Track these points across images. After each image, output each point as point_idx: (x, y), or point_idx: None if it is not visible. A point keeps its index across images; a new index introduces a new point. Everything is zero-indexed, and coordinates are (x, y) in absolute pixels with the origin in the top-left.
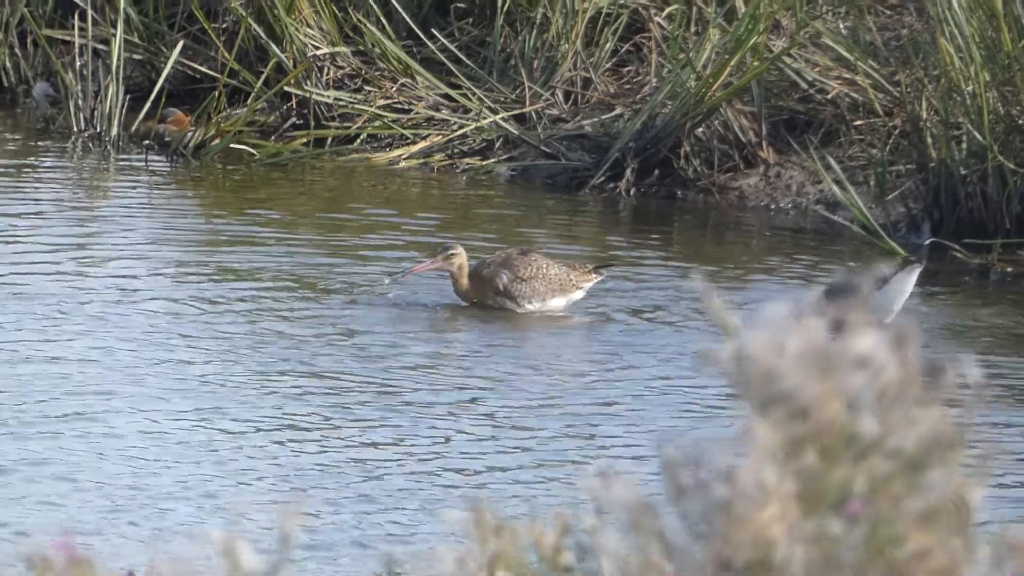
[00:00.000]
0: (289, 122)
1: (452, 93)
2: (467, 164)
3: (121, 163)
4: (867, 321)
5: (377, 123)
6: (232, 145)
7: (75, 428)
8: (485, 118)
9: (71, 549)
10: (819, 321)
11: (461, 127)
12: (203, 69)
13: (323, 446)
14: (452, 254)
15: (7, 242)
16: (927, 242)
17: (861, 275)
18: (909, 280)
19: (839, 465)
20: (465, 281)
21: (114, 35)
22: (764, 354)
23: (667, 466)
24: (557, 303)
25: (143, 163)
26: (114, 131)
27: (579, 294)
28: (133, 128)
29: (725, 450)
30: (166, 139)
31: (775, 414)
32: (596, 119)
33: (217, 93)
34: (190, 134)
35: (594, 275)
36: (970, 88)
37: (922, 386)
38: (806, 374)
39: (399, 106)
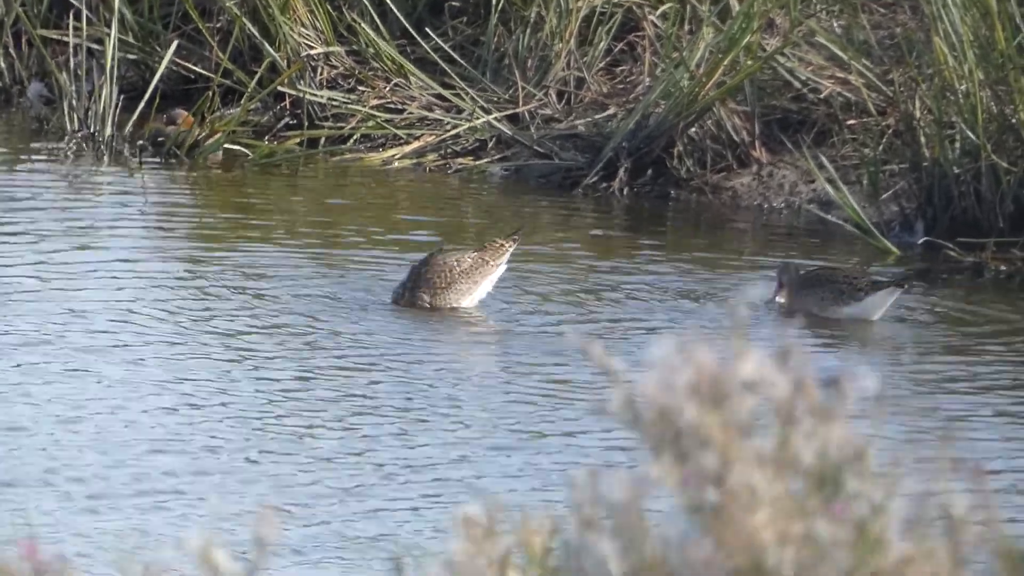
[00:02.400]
0: (283, 122)
1: (445, 93)
2: (460, 164)
3: (115, 163)
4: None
5: (370, 123)
6: (226, 145)
7: (63, 426)
8: (478, 118)
9: (35, 554)
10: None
11: (454, 127)
12: (197, 69)
13: (320, 445)
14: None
15: (1, 242)
16: (920, 241)
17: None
18: (888, 299)
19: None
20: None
21: (108, 35)
22: (655, 393)
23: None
24: (485, 289)
25: (137, 163)
26: (108, 131)
27: (501, 270)
28: (140, 129)
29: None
30: (160, 139)
31: (674, 451)
32: (589, 119)
33: (211, 93)
34: (186, 134)
35: (508, 245)
36: (964, 87)
37: (819, 400)
38: (699, 406)
39: (392, 106)
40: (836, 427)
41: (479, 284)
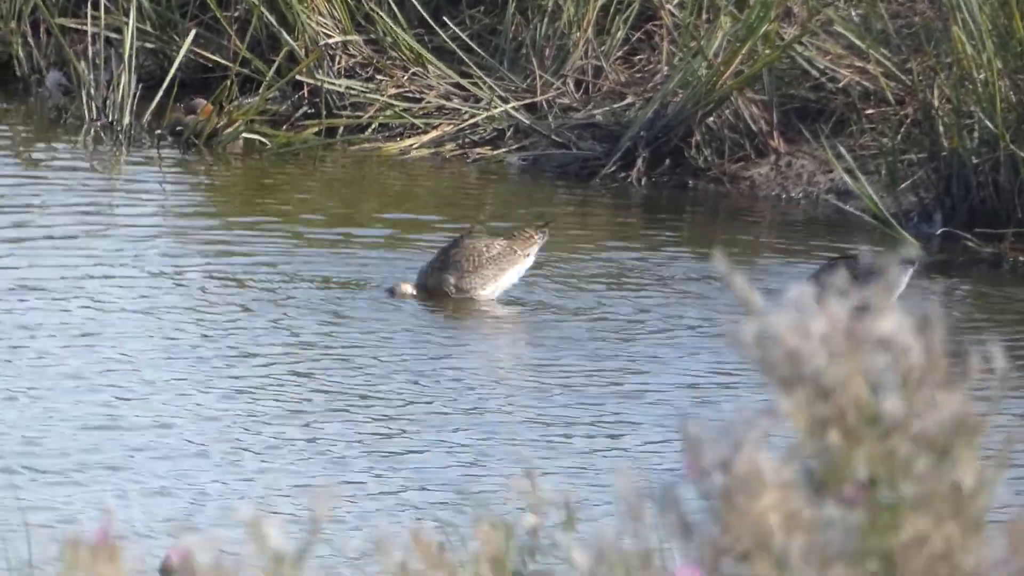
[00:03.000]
0: (301, 111)
1: (463, 82)
2: (478, 153)
3: (133, 152)
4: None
5: (388, 112)
6: (244, 134)
7: (86, 418)
8: (496, 107)
9: (106, 535)
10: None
11: (472, 116)
12: (215, 58)
13: (333, 432)
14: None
15: (19, 231)
16: (939, 231)
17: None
18: (903, 278)
19: (861, 445)
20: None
21: (126, 23)
22: (788, 335)
23: (689, 445)
24: (510, 280)
25: (155, 153)
26: (126, 120)
27: (529, 262)
28: (158, 118)
29: (748, 429)
30: (178, 128)
31: (799, 394)
32: (607, 108)
33: (229, 82)
34: (204, 123)
35: (537, 237)
36: (982, 76)
37: (947, 370)
38: (830, 355)
39: (410, 95)
40: (958, 397)
41: (505, 272)
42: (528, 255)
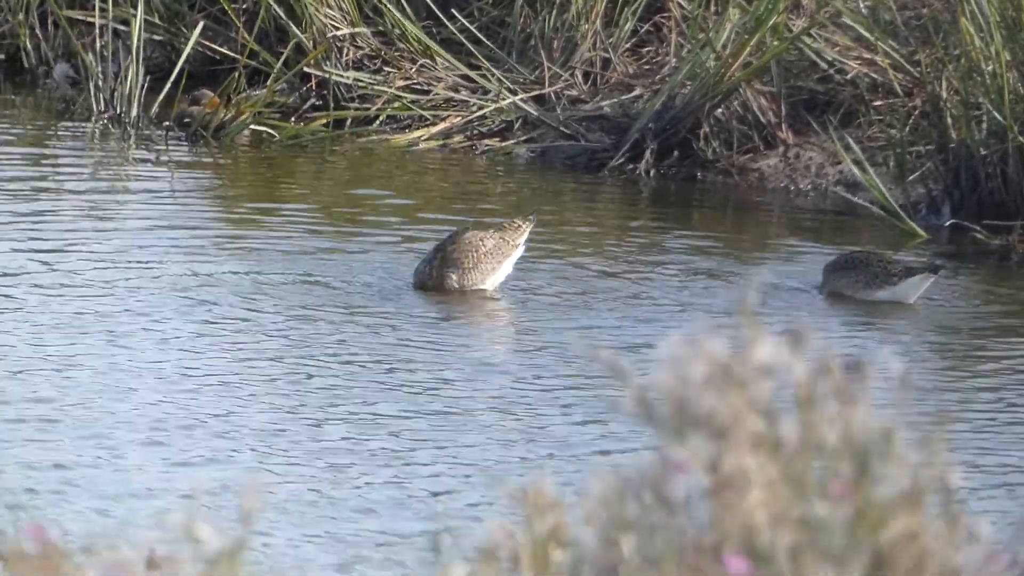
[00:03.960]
0: (309, 103)
1: (471, 74)
2: (486, 145)
3: (141, 144)
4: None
5: (396, 104)
6: (252, 126)
7: (88, 405)
8: (504, 99)
9: (43, 537)
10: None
11: (480, 108)
12: (223, 50)
13: (340, 427)
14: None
15: (28, 223)
16: (947, 223)
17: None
18: (922, 285)
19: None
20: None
21: (134, 15)
22: (671, 385)
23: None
24: (506, 270)
25: (163, 145)
26: (134, 112)
27: (520, 251)
28: (166, 110)
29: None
30: (186, 120)
31: (694, 438)
32: (615, 100)
33: (237, 74)
34: (212, 115)
35: (525, 225)
36: (991, 68)
37: (841, 383)
38: (716, 393)
39: (418, 87)
40: (859, 409)
41: (502, 264)
42: (519, 244)
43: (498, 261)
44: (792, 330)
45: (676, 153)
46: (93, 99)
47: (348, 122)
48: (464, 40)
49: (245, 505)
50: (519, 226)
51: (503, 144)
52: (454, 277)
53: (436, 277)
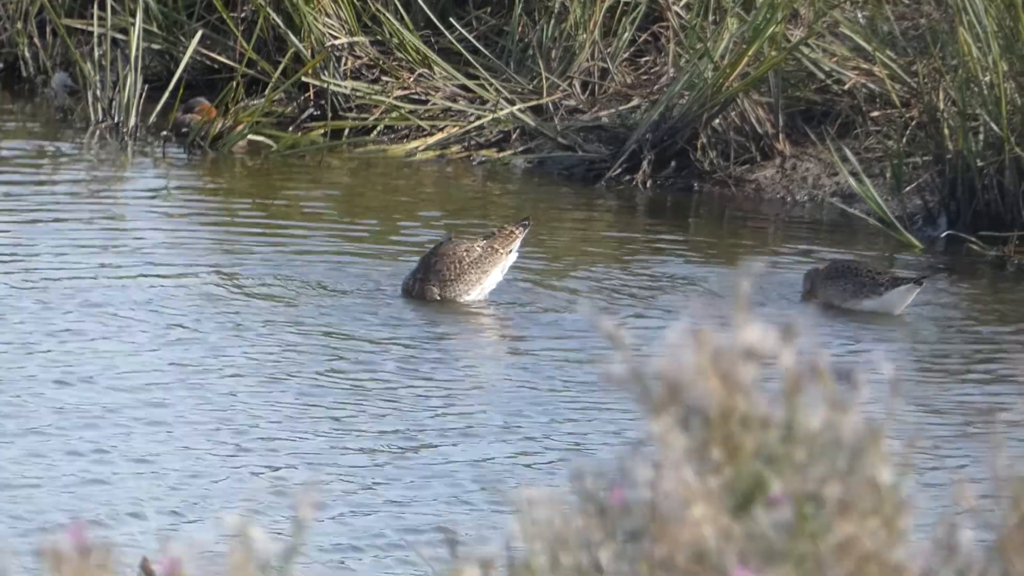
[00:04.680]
0: (307, 113)
1: (469, 83)
2: (484, 156)
3: (139, 154)
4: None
5: (394, 114)
6: (250, 136)
7: (89, 419)
8: (502, 109)
9: (81, 538)
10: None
11: (478, 118)
12: (221, 59)
13: (337, 437)
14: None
15: (26, 232)
16: (943, 234)
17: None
18: (908, 296)
19: (751, 460)
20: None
21: (133, 24)
22: (666, 367)
23: (577, 480)
24: (495, 279)
25: (161, 154)
26: (132, 121)
27: (512, 258)
28: (164, 119)
29: (639, 460)
30: (183, 130)
31: (683, 421)
32: (613, 110)
33: (235, 83)
34: (209, 124)
35: (518, 232)
36: (988, 79)
37: (828, 379)
38: (707, 378)
39: (416, 97)
40: (849, 412)
41: (488, 274)
42: (511, 251)
43: (484, 271)
44: (785, 323)
45: (673, 164)
46: (91, 108)
47: (346, 132)
48: (462, 50)
49: (299, 512)
50: (511, 232)
51: (500, 154)
52: (435, 290)
53: (418, 290)
